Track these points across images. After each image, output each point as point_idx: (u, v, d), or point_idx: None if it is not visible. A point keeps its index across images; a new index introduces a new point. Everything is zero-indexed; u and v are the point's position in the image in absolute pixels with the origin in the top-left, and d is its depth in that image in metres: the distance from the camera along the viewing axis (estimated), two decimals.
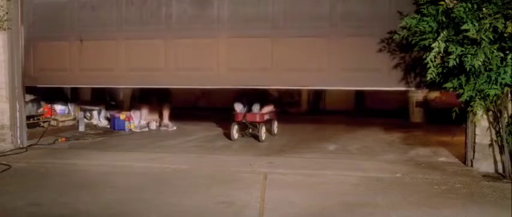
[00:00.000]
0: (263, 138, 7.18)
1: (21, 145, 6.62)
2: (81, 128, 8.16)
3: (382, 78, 5.65)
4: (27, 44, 6.66)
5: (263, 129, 7.23)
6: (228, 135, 7.40)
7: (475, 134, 5.32)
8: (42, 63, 6.71)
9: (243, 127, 7.36)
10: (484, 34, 4.52)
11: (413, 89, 5.85)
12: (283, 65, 5.99)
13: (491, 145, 5.25)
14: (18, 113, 6.63)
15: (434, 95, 9.23)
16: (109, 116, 8.74)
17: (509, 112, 5.04)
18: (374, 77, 5.70)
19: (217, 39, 6.14)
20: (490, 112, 5.17)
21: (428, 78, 4.99)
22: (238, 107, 7.46)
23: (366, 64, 5.71)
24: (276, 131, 7.82)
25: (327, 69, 5.88)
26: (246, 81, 6.23)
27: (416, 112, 9.61)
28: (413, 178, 4.97)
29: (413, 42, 5.04)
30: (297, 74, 5.99)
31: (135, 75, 6.44)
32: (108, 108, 9.10)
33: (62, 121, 8.01)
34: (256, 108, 7.40)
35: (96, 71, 6.55)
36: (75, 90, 9.08)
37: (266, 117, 7.43)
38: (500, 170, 5.16)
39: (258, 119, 7.25)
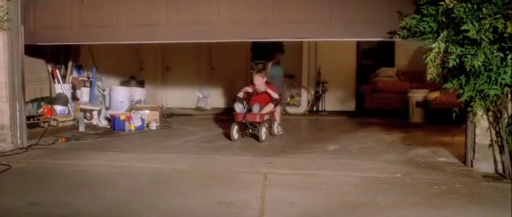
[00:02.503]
0: (263, 138, 7.16)
1: (21, 146, 6.62)
2: (81, 128, 8.15)
3: (384, 28, 5.62)
4: (27, 2, 6.62)
5: (263, 130, 7.20)
6: (228, 136, 7.40)
7: (475, 134, 5.32)
8: (42, 21, 6.70)
9: (243, 127, 7.35)
10: (484, 34, 4.52)
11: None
12: (285, 18, 6.02)
13: (491, 145, 5.25)
14: (18, 113, 6.62)
15: (434, 95, 9.23)
16: (109, 116, 8.75)
17: (509, 112, 5.04)
18: (376, 27, 5.68)
19: None
20: (490, 113, 5.17)
21: (428, 78, 4.99)
22: (238, 107, 7.43)
23: (368, 15, 5.70)
24: (275, 132, 7.79)
25: (328, 21, 5.90)
26: (247, 35, 6.30)
27: (416, 113, 9.61)
28: (413, 179, 4.98)
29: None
30: (298, 26, 6.02)
31: (136, 31, 6.47)
32: None
33: (62, 121, 8.00)
34: (256, 108, 7.38)
35: (97, 28, 6.57)
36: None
37: (266, 117, 7.41)
38: (500, 170, 5.16)
39: (258, 119, 7.23)
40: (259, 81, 7.60)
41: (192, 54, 12.58)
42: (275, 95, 7.66)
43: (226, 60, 12.24)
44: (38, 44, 6.92)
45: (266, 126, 7.44)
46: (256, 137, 7.18)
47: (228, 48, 12.12)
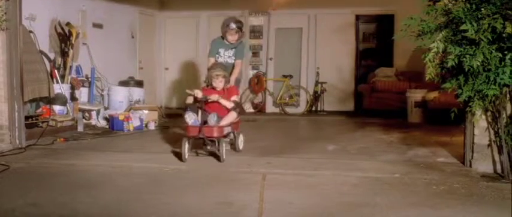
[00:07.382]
0: (224, 157, 5.62)
1: (19, 146, 6.60)
2: (80, 128, 8.15)
3: None
4: None
5: (224, 146, 5.66)
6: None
7: (473, 134, 5.32)
8: None
9: (200, 143, 5.84)
10: (482, 34, 4.53)
11: None
12: None
13: (489, 145, 5.25)
14: (16, 113, 6.61)
15: (433, 95, 9.24)
16: (108, 116, 8.74)
17: (508, 112, 5.04)
18: None
19: None
20: (489, 113, 5.17)
21: (427, 78, 5.00)
22: (191, 118, 5.76)
23: None
24: (241, 147, 6.28)
25: None
26: None
27: (415, 113, 9.61)
28: (412, 179, 4.98)
29: None
30: None
31: None
32: None
33: (60, 121, 7.98)
34: (213, 119, 5.72)
35: None
36: None
37: (227, 130, 5.85)
38: (499, 170, 5.17)
39: (215, 134, 5.62)
40: (220, 83, 5.97)
41: (191, 55, 12.59)
42: (235, 98, 6.07)
43: None
44: None
45: (227, 140, 6.05)
46: (215, 155, 5.74)
47: None
